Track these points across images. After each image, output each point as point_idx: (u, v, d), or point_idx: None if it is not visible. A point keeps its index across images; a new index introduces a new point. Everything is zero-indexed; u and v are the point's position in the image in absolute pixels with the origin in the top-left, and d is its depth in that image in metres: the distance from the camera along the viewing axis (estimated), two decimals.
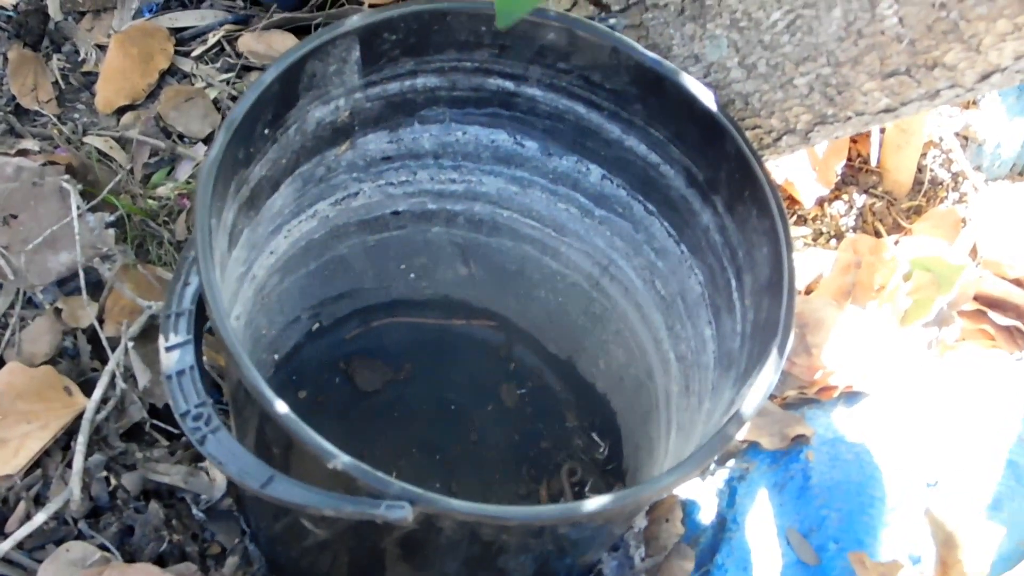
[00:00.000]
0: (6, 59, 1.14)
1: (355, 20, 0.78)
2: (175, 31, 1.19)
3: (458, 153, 0.90)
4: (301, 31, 1.19)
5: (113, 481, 0.90)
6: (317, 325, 1.00)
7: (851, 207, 1.17)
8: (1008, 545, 0.89)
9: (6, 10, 1.17)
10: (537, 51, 0.83)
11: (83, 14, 1.18)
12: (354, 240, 0.94)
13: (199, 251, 0.66)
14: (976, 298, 1.06)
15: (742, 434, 0.81)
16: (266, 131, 0.76)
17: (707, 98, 0.78)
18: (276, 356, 0.97)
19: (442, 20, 0.80)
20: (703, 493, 0.93)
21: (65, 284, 1.01)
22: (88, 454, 0.89)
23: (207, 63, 1.18)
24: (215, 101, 1.13)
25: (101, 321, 0.97)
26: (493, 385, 1.04)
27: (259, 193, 0.80)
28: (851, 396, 0.98)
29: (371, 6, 1.13)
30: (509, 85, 0.85)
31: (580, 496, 0.96)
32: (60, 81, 1.15)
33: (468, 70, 0.85)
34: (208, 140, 1.11)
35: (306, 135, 0.81)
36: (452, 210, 0.94)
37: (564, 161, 0.89)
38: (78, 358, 0.97)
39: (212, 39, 1.19)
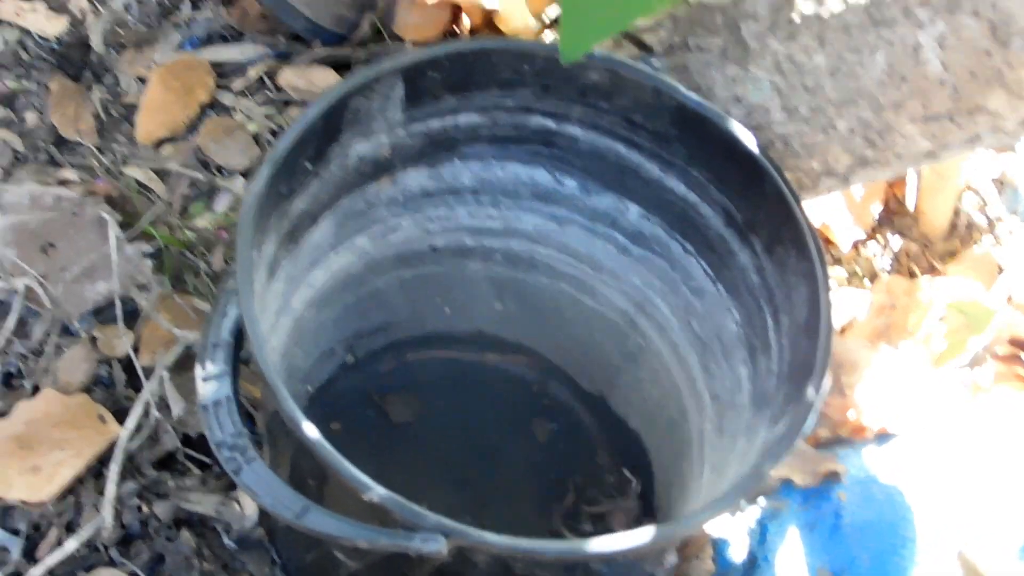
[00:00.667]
0: (48, 90, 1.16)
1: (399, 58, 0.79)
2: (216, 65, 1.21)
3: (497, 190, 0.92)
4: (342, 67, 1.22)
5: (145, 509, 0.91)
6: (351, 358, 1.01)
7: (886, 249, 1.18)
8: None
9: (49, 41, 1.19)
10: (579, 91, 0.84)
11: (125, 47, 1.21)
12: (391, 274, 0.96)
13: (240, 283, 0.68)
14: (1011, 342, 1.07)
15: (774, 472, 0.82)
16: (308, 165, 0.78)
17: (748, 140, 0.80)
18: (310, 388, 0.98)
19: (485, 59, 0.81)
20: (734, 531, 0.93)
21: (101, 313, 1.02)
22: (121, 482, 0.90)
23: (247, 97, 1.20)
24: (255, 134, 1.15)
25: (136, 350, 0.98)
26: (525, 420, 1.05)
27: (299, 226, 0.82)
28: (884, 436, 0.98)
29: (413, 43, 1.17)
30: (550, 124, 0.87)
31: (601, 526, 0.99)
32: (101, 112, 1.17)
33: (510, 108, 0.86)
34: (247, 173, 1.13)
35: (347, 170, 0.83)
36: (490, 246, 0.96)
37: (603, 199, 0.90)
38: (113, 387, 0.98)
39: (253, 73, 1.21)
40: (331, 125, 0.79)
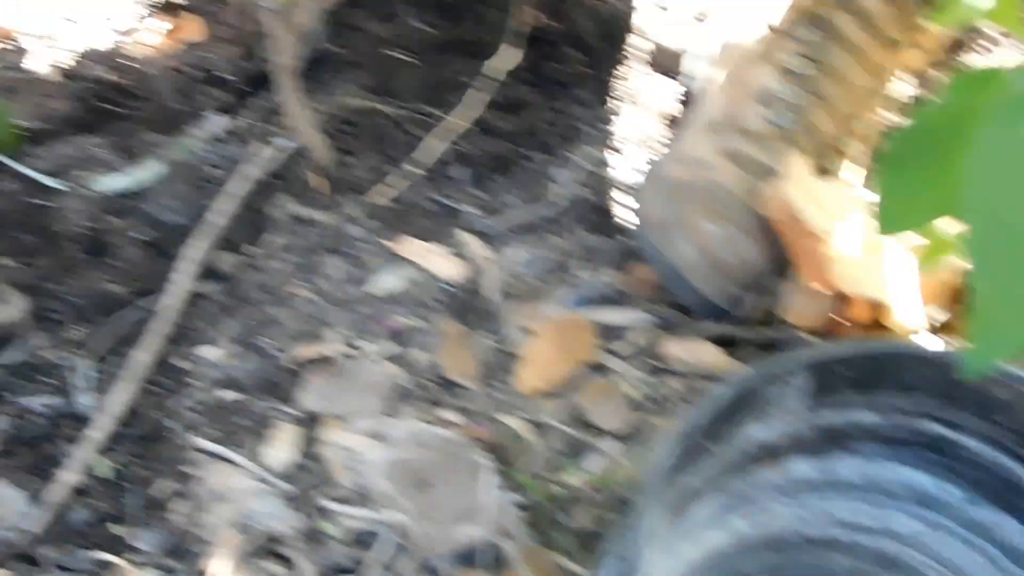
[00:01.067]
0: (437, 329, 1.38)
1: (810, 352, 0.95)
2: (600, 326, 1.39)
3: (878, 489, 1.04)
4: (725, 343, 1.37)
5: None
6: None
7: None
8: None
9: (445, 284, 1.43)
10: (980, 403, 0.97)
11: (515, 297, 1.42)
12: (757, 558, 1.08)
13: (631, 552, 0.83)
14: None
15: None
16: (705, 443, 0.94)
17: None
18: None
19: (895, 362, 0.97)
20: None
21: (465, 556, 1.19)
22: None
23: (628, 361, 1.38)
24: (633, 399, 1.33)
25: None
26: None
27: (684, 501, 0.97)
28: None
29: (800, 328, 1.35)
30: (945, 431, 1.00)
31: None
32: (485, 358, 1.37)
33: (907, 411, 1.00)
34: (620, 435, 1.30)
35: (738, 451, 0.99)
36: (860, 543, 1.07)
37: (984, 511, 1.02)
38: None
39: (636, 339, 1.38)
40: (734, 407, 0.94)
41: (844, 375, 0.98)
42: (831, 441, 1.03)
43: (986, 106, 0.86)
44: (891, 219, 1.01)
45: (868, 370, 0.98)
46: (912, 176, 1.01)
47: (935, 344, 1.37)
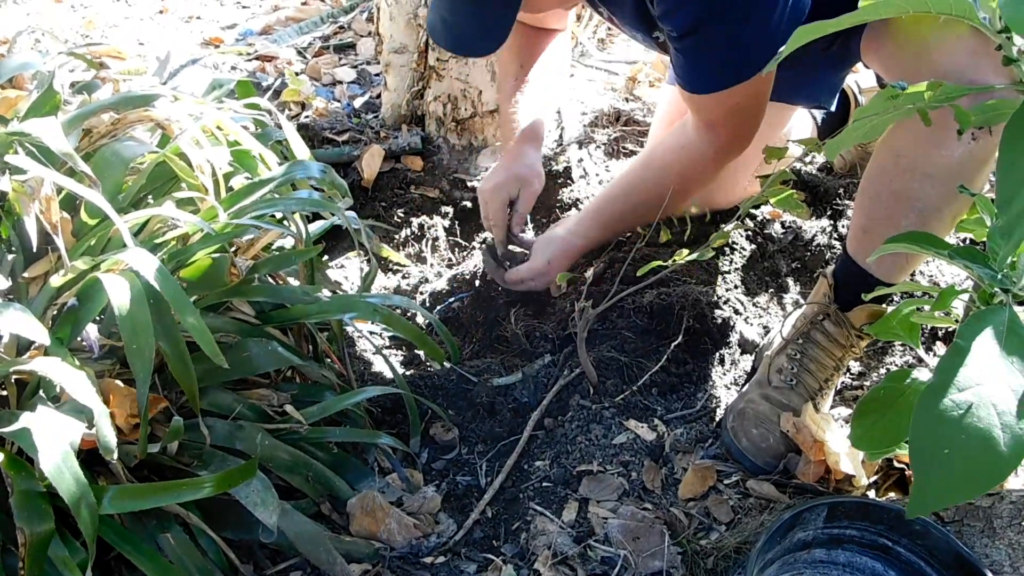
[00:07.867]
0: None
1: (828, 499, 1.50)
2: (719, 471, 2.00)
3: (854, 567, 1.50)
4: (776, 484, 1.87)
5: None
6: None
7: None
8: None
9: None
10: (906, 530, 1.41)
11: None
12: None
13: None
14: None
15: None
16: (776, 538, 1.50)
17: None
18: None
19: (865, 506, 1.48)
20: None
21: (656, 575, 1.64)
22: None
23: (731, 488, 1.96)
24: (732, 506, 1.90)
25: None
26: None
27: (765, 565, 1.50)
28: None
29: (810, 482, 1.87)
30: (888, 543, 1.47)
31: None
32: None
33: (871, 531, 1.47)
34: (727, 523, 1.86)
35: (789, 543, 1.48)
36: None
37: None
38: None
39: (735, 478, 1.98)
40: (791, 523, 1.46)
41: (843, 511, 1.48)
42: (834, 542, 1.54)
43: (907, 388, 1.35)
44: (861, 443, 1.51)
45: (852, 509, 1.47)
46: (870, 421, 1.47)
47: (876, 496, 1.87)
